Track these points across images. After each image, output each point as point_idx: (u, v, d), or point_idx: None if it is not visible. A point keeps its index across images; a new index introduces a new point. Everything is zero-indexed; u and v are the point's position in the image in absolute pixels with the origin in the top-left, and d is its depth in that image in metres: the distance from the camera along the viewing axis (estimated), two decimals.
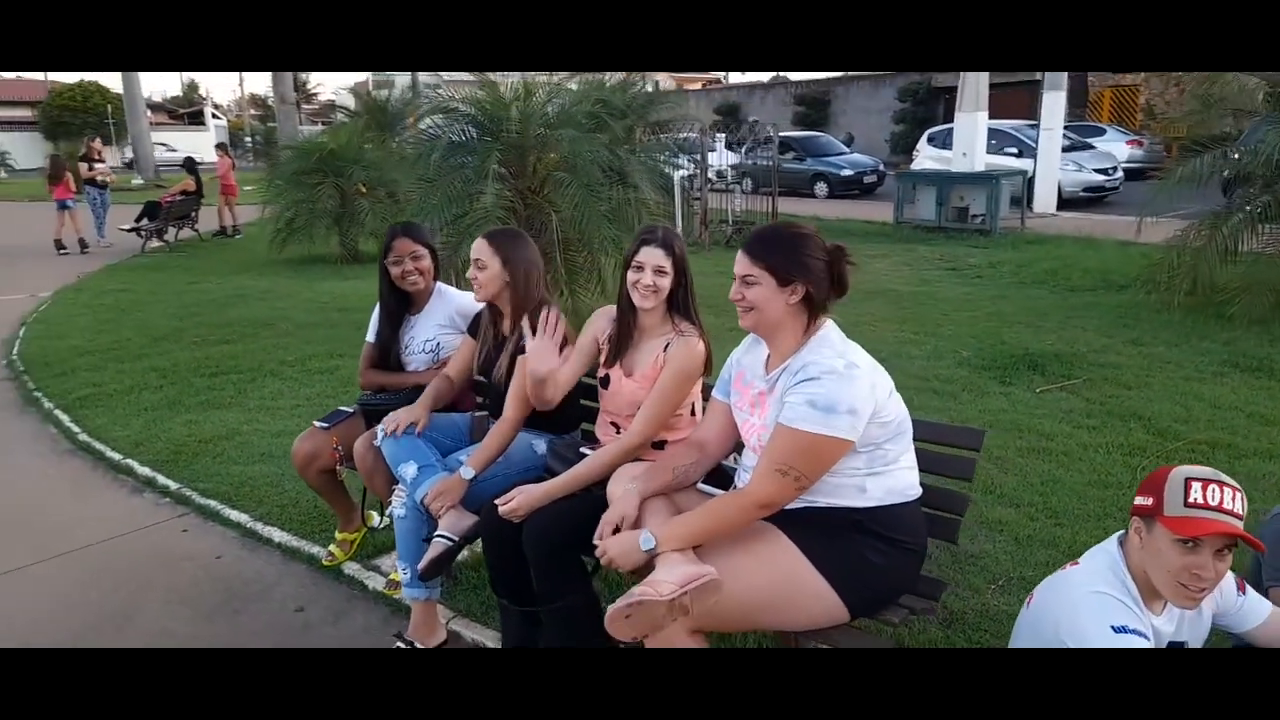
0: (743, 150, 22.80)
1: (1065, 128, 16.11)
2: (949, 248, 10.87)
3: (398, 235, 3.26)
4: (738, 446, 2.40)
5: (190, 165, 14.49)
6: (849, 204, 17.34)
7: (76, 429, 5.00)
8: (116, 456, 4.54)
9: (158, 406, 5.37)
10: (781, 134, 23.89)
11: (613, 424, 2.71)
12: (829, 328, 2.22)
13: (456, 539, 2.63)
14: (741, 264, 2.18)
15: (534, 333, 2.58)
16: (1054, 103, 14.54)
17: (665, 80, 50.86)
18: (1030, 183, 14.05)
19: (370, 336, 3.35)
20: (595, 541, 2.16)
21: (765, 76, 53.73)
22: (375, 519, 3.43)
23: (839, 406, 2.03)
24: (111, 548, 3.61)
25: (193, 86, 69.90)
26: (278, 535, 3.63)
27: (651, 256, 2.57)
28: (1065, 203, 14.96)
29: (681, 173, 12.23)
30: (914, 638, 2.78)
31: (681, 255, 2.61)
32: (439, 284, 3.32)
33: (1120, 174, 16.30)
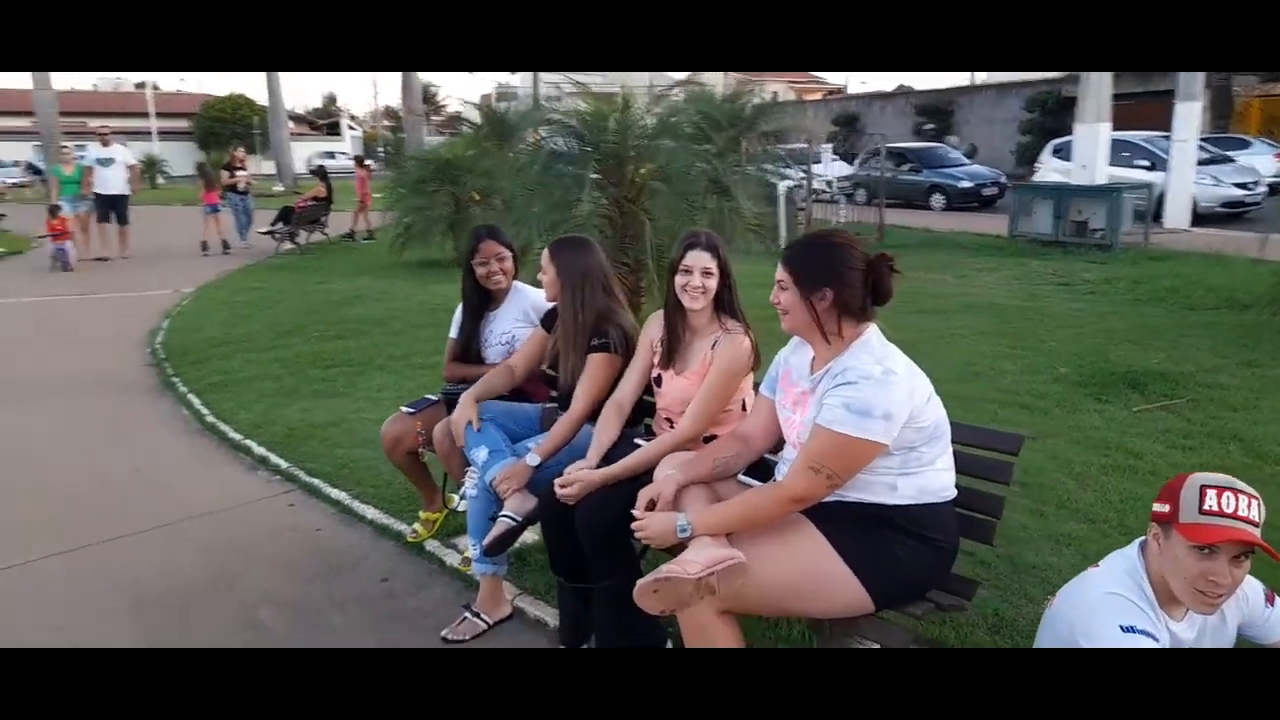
0: (856, 162, 22.65)
1: (1205, 140, 15.25)
2: (1064, 263, 10.50)
3: (484, 238, 3.51)
4: (780, 442, 2.51)
5: (322, 173, 15.43)
6: (966, 216, 16.88)
7: (205, 411, 5.49)
8: (237, 437, 4.98)
9: (277, 394, 5.83)
10: (899, 145, 23.66)
11: (667, 419, 2.86)
12: (871, 333, 2.31)
13: (519, 519, 2.82)
14: (778, 269, 2.30)
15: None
16: (1187, 113, 13.80)
17: (784, 90, 50.76)
18: (1161, 197, 13.41)
19: (453, 332, 3.61)
20: (634, 513, 2.31)
21: (888, 86, 52.66)
22: (455, 501, 3.67)
23: (874, 411, 2.11)
24: (226, 517, 3.99)
25: (331, 99, 73.94)
26: (371, 513, 3.93)
27: (698, 259, 2.71)
28: (1201, 218, 14.17)
29: (787, 183, 12.25)
30: (960, 639, 2.80)
31: (724, 257, 2.75)
32: (516, 282, 3.55)
33: (1264, 189, 15.32)
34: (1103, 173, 12.09)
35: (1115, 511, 3.69)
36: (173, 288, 10.34)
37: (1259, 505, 1.79)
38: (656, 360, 2.90)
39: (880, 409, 2.12)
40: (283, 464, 4.54)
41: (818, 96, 48.07)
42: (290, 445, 4.81)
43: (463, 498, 3.12)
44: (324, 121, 60.44)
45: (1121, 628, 1.80)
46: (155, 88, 53.69)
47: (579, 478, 2.62)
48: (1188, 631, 1.91)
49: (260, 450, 4.74)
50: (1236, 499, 1.79)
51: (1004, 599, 3.01)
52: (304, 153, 37.07)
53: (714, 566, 2.10)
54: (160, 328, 8.13)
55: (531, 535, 3.16)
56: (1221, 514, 1.78)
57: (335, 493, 4.15)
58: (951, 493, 2.31)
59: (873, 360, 2.20)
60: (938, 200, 19.85)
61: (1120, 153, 14.92)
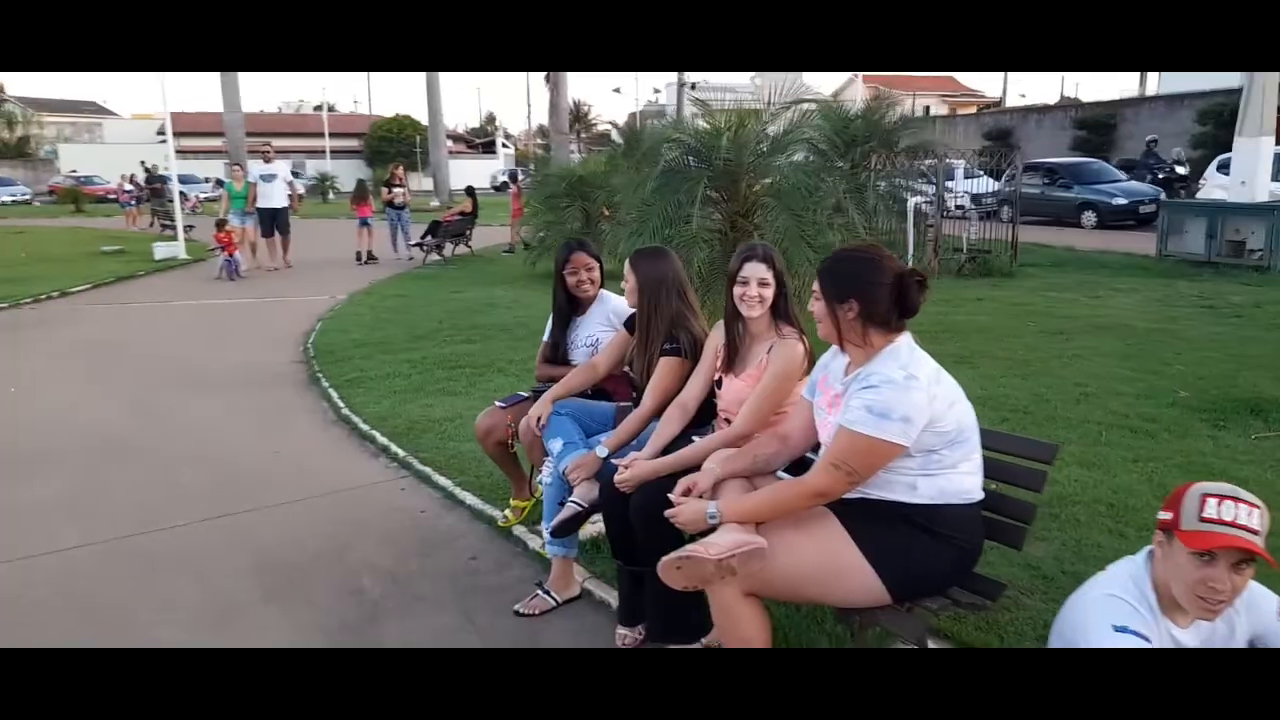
0: (1002, 178, 21.90)
1: None
2: (1214, 284, 9.89)
3: (574, 250, 3.81)
4: (819, 443, 2.66)
5: (469, 190, 16.38)
6: (1118, 235, 16.08)
7: (341, 404, 6.07)
8: (365, 428, 5.50)
9: (404, 391, 6.35)
10: (1049, 160, 22.70)
11: (725, 420, 3.06)
12: (902, 341, 2.43)
13: (585, 505, 3.09)
14: (815, 282, 2.47)
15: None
16: None
17: (936, 104, 49.25)
18: None
19: (545, 336, 3.92)
20: (671, 498, 2.53)
21: (1050, 99, 50.31)
22: (539, 488, 3.98)
23: (893, 414, 2.25)
24: (346, 497, 4.46)
25: (490, 118, 77.44)
26: (470, 499, 4.30)
27: (754, 271, 2.90)
28: None
29: (917, 199, 12.08)
30: (1003, 644, 2.85)
31: (780, 268, 2.92)
32: (602, 290, 3.83)
33: None
34: (1264, 189, 11.28)
35: None
36: (329, 294, 11.29)
37: (1262, 514, 1.83)
38: (719, 365, 3.11)
39: (899, 412, 2.25)
40: (400, 453, 4.99)
41: (971, 110, 46.57)
42: (410, 436, 5.27)
43: (537, 483, 3.41)
44: (480, 140, 63.40)
45: (1114, 627, 1.87)
46: (331, 109, 57.98)
47: (635, 466, 2.86)
48: (1192, 640, 1.95)
49: (383, 440, 5.23)
50: (1237, 507, 1.83)
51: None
52: (462, 170, 38.99)
53: (736, 550, 2.29)
54: (314, 330, 8.94)
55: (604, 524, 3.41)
56: (1221, 522, 1.82)
57: (442, 480, 4.55)
58: (976, 496, 2.40)
59: (897, 366, 2.33)
60: (1089, 218, 18.93)
61: None
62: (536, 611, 3.24)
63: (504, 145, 61.59)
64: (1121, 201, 18.63)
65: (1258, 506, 1.84)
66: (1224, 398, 5.51)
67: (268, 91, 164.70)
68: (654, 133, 8.19)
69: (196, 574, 3.64)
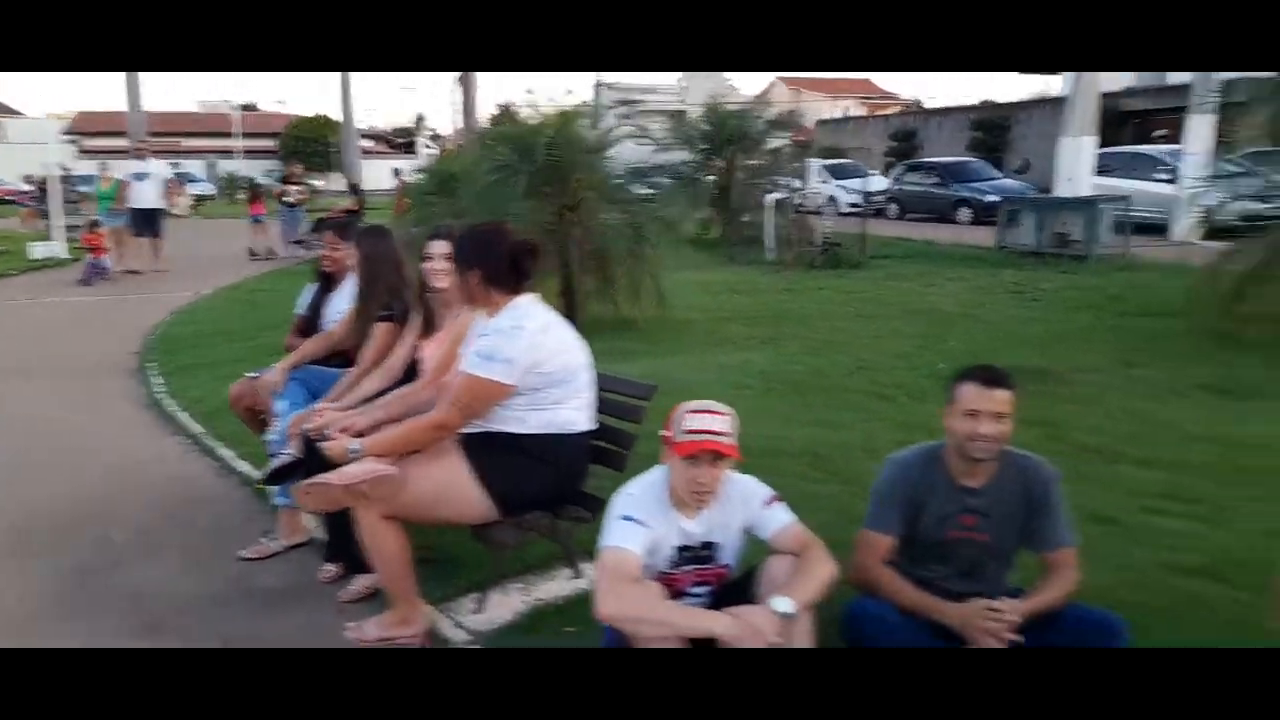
0: (891, 176, 22.93)
1: (1251, 154, 15.00)
2: (1035, 273, 10.64)
3: (324, 230, 4.17)
4: None
5: (354, 188, 16.54)
6: (967, 230, 17.05)
7: (159, 388, 6.30)
8: (174, 409, 5.75)
9: (231, 376, 6.50)
10: (928, 160, 23.80)
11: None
12: (522, 300, 2.83)
13: (294, 456, 3.43)
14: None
15: None
16: (1199, 126, 13.73)
17: (855, 106, 50.33)
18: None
19: (299, 309, 4.26)
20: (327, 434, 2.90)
21: (946, 102, 52.06)
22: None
23: (497, 356, 2.67)
24: (130, 467, 4.73)
25: (420, 118, 76.65)
26: (243, 467, 4.60)
27: (437, 248, 3.26)
28: (1221, 231, 13.99)
29: (777, 195, 12.70)
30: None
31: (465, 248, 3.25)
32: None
33: None
34: (1087, 185, 12.16)
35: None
36: (194, 290, 11.36)
37: (730, 419, 2.30)
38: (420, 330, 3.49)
39: (502, 355, 2.67)
40: (199, 430, 5.26)
41: (890, 111, 47.93)
42: (217, 416, 5.52)
43: (263, 439, 3.76)
44: (401, 140, 62.84)
45: (622, 517, 2.31)
46: (253, 108, 56.82)
47: (324, 416, 3.21)
48: (698, 528, 2.41)
49: (184, 419, 5.49)
50: (710, 418, 2.29)
51: None
52: (381, 170, 38.62)
53: (365, 477, 2.67)
54: (163, 321, 9.08)
55: None
56: (697, 431, 2.28)
57: (225, 451, 4.85)
58: (580, 427, 2.83)
59: (509, 319, 2.75)
60: (965, 214, 19.87)
61: (1140, 166, 14.94)
62: (257, 556, 3.57)
63: (428, 145, 61.10)
64: (994, 198, 19.55)
65: (727, 414, 2.30)
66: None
67: (188, 90, 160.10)
68: (490, 132, 8.55)
69: None
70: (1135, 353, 6.50)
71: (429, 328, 3.43)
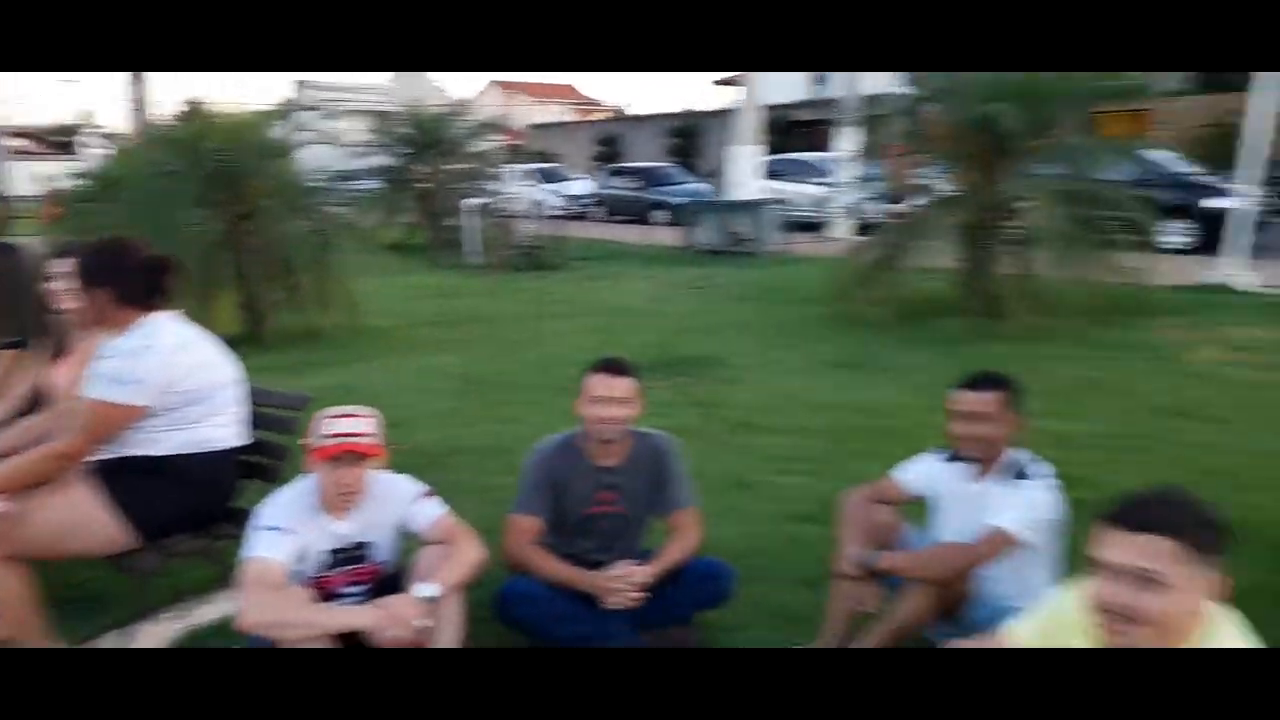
0: (597, 180, 24.01)
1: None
2: (713, 269, 11.68)
3: None
4: None
5: None
6: (661, 231, 18.21)
7: None
8: None
9: None
10: (630, 164, 25.21)
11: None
12: (154, 317, 2.73)
13: None
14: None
15: None
16: (848, 134, 15.72)
17: (566, 112, 51.41)
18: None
19: None
20: None
21: (645, 109, 54.93)
22: None
23: (126, 378, 2.58)
24: None
25: (88, 115, 67.72)
26: None
27: (59, 266, 3.06)
28: (868, 228, 16.11)
29: (477, 200, 12.87)
30: None
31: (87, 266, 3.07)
32: None
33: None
34: (755, 188, 13.56)
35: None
36: None
37: (372, 421, 2.41)
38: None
39: (132, 376, 2.58)
40: None
41: (599, 117, 49.49)
42: None
43: None
44: (56, 139, 55.38)
45: (265, 527, 2.36)
46: None
47: None
48: (349, 528, 2.50)
49: None
50: (350, 421, 2.40)
51: None
52: (39, 173, 33.79)
53: None
54: None
55: None
56: (335, 435, 2.37)
57: None
58: (225, 444, 2.80)
59: (138, 338, 2.66)
60: (662, 216, 21.23)
61: (800, 171, 16.84)
62: None
63: (96, 146, 54.19)
64: (683, 201, 21.10)
65: (367, 416, 2.42)
66: (650, 359, 6.63)
67: None
68: (153, 133, 7.93)
69: None
70: (782, 336, 7.42)
71: (59, 352, 3.22)
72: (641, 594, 2.68)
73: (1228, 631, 1.55)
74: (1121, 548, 1.52)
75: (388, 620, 2.27)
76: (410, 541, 2.61)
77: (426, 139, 14.70)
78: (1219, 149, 10.00)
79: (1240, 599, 1.58)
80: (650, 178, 22.50)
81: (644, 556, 2.82)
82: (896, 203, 10.80)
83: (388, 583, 2.54)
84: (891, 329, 7.21)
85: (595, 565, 2.77)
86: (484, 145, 15.55)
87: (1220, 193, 10.21)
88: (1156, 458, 4.39)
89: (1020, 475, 2.52)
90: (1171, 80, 20.90)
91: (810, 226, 14.80)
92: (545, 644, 2.62)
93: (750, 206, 12.85)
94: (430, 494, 2.62)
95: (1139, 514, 1.53)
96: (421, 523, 2.57)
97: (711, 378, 6.10)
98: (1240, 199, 8.74)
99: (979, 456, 2.59)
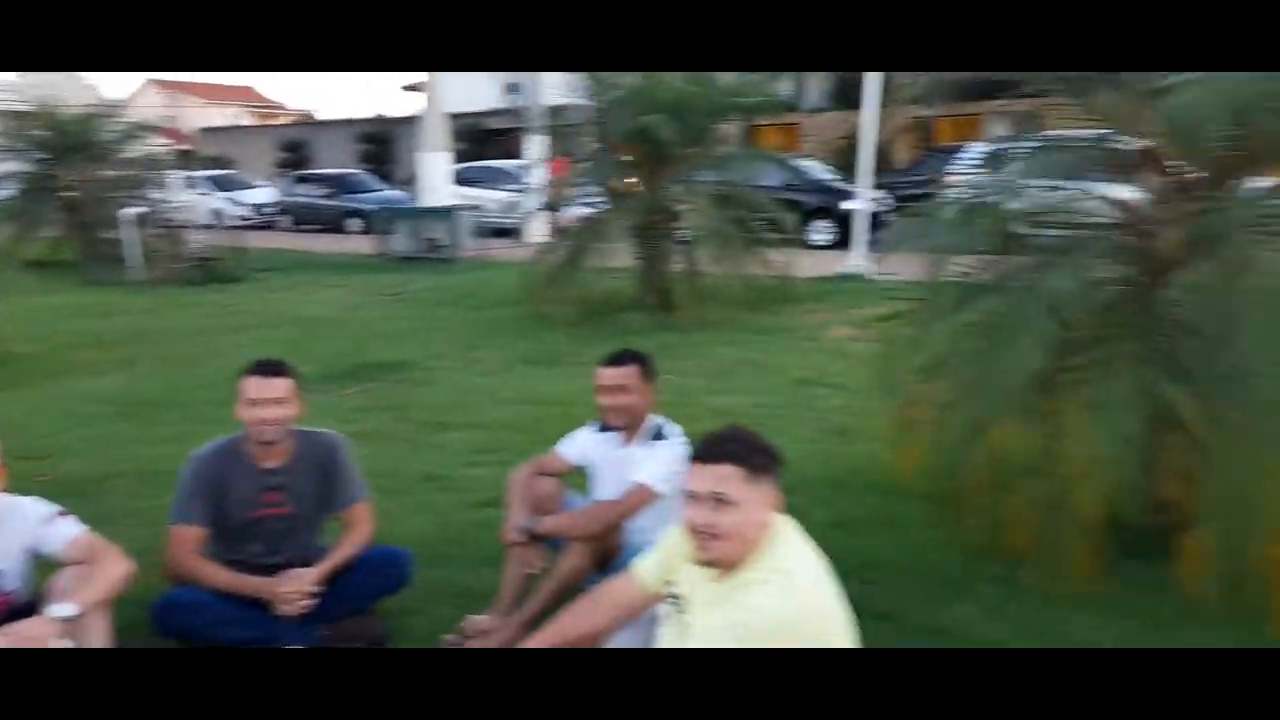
0: (280, 187, 22.64)
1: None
2: (409, 276, 11.54)
3: None
4: None
5: None
6: (355, 239, 17.76)
7: None
8: None
9: None
10: (319, 171, 24.08)
11: None
12: None
13: None
14: None
15: None
16: (538, 142, 16.21)
17: (245, 115, 47.65)
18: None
19: None
20: None
21: (334, 115, 52.76)
22: None
23: None
24: None
25: None
26: None
27: None
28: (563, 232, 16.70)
29: (135, 210, 11.73)
30: None
31: None
32: None
33: None
34: (447, 195, 13.60)
35: None
36: None
37: None
38: None
39: None
40: None
41: (280, 121, 46.37)
42: None
43: None
44: None
45: None
46: None
47: None
48: None
49: None
50: None
51: None
52: None
53: None
54: None
55: None
56: None
57: None
58: None
59: None
60: (356, 224, 20.48)
61: (494, 178, 17.11)
62: None
63: None
64: (374, 209, 20.52)
65: None
66: (339, 366, 6.51)
67: None
68: None
69: None
70: (477, 337, 7.57)
71: None
72: (311, 598, 2.69)
73: (789, 536, 1.92)
74: (699, 477, 1.81)
75: (19, 644, 2.12)
76: (47, 567, 2.44)
77: (69, 142, 13.08)
78: (853, 158, 11.68)
79: (850, 525, 1.97)
80: (342, 185, 21.65)
81: (319, 554, 2.83)
82: (554, 210, 11.29)
83: (21, 611, 2.37)
84: (577, 326, 7.61)
85: (266, 569, 2.74)
86: (142, 150, 14.11)
87: (853, 196, 11.89)
88: (796, 421, 5.07)
89: (658, 437, 2.86)
90: (814, 97, 23.87)
91: (505, 232, 15.05)
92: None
93: (444, 213, 12.83)
94: (64, 514, 2.45)
95: (709, 449, 1.83)
96: (56, 544, 2.41)
97: (404, 381, 6.10)
98: (862, 201, 10.33)
99: (623, 424, 2.89)
